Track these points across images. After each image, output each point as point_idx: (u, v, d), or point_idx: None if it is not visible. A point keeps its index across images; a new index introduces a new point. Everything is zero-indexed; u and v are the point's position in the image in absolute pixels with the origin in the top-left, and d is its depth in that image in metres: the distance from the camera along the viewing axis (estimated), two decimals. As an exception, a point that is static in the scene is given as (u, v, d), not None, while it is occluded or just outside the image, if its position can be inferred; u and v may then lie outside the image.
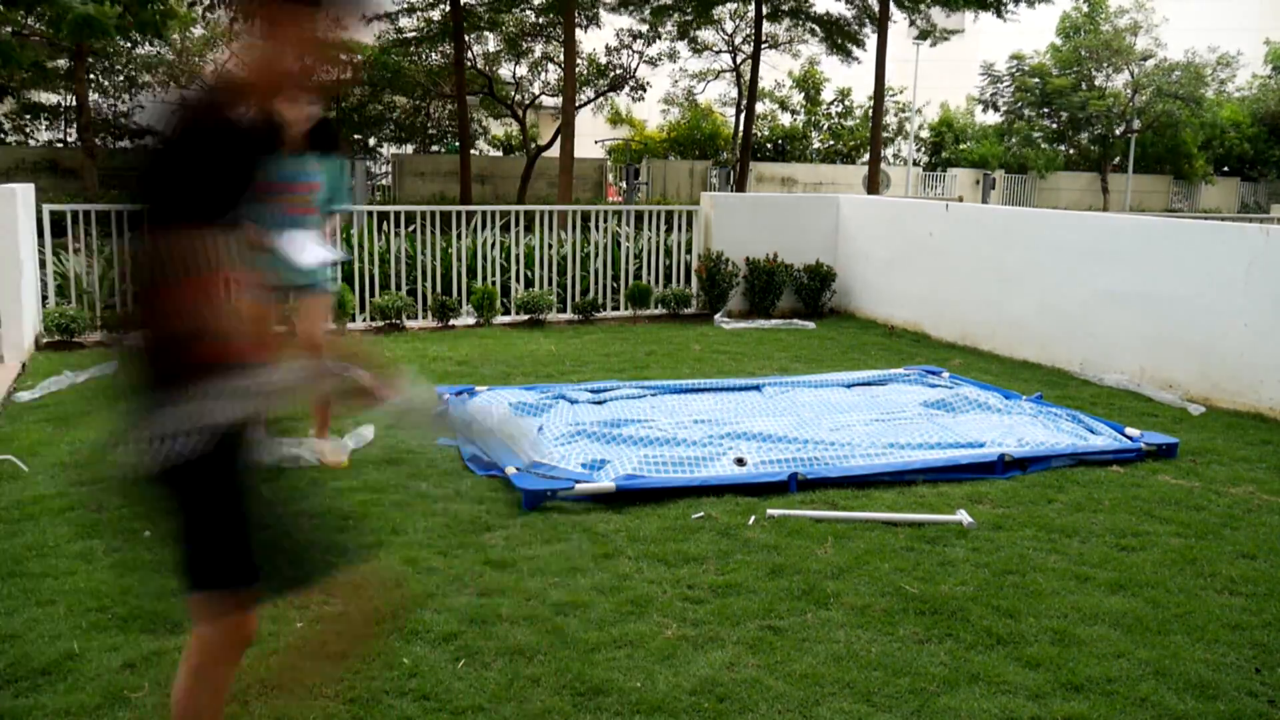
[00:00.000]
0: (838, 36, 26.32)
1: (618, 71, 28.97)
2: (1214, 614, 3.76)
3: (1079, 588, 3.98)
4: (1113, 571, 4.13)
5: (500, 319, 9.87)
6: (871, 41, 24.26)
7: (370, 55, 26.31)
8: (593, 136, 36.04)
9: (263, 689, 3.10)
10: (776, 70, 36.41)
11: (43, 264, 8.74)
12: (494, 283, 10.21)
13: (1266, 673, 3.35)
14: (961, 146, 39.58)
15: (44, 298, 8.68)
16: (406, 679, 3.19)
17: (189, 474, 2.11)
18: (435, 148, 30.77)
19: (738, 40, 31.08)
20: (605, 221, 10.89)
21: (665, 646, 3.42)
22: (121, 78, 26.37)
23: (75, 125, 24.88)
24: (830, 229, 11.10)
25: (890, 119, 37.43)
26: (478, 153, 31.28)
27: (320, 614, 3.59)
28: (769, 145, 38.09)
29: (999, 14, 22.09)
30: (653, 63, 29.94)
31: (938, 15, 24.92)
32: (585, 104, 29.24)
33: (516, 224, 10.41)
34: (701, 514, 4.66)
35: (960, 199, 30.24)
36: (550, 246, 10.56)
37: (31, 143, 27.26)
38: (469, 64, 25.84)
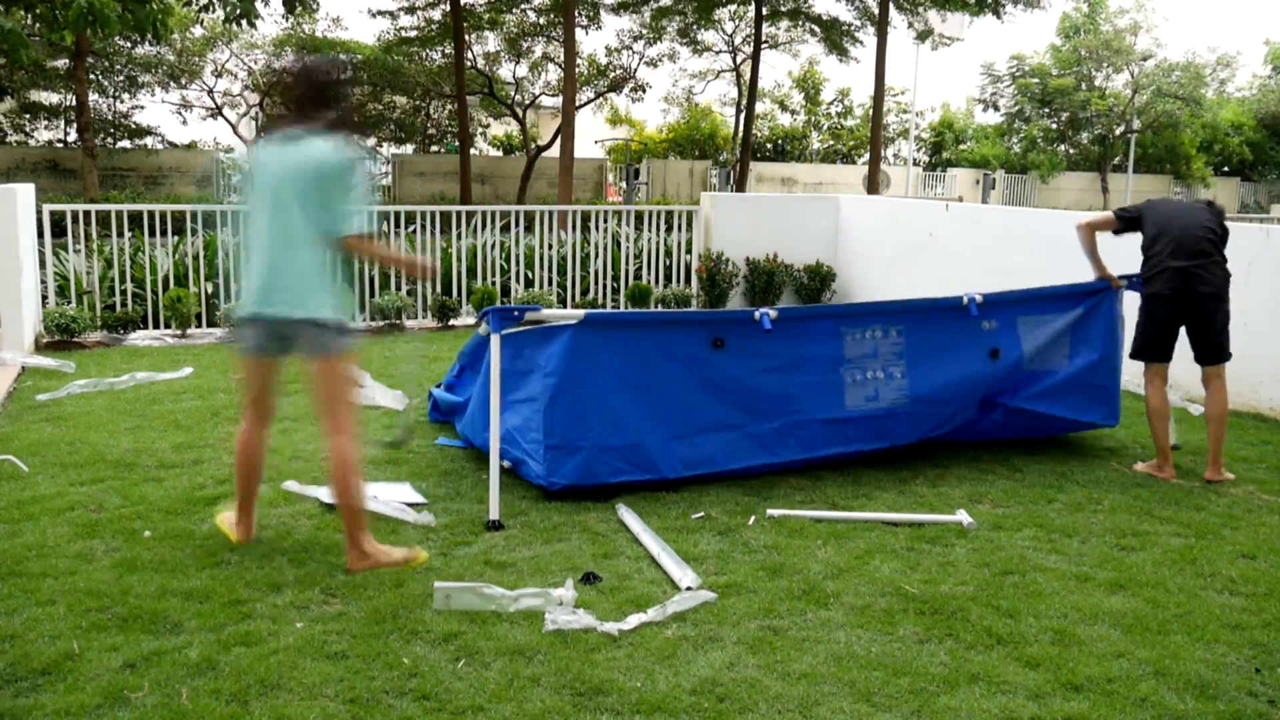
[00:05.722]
0: (837, 37, 26.34)
1: (618, 72, 28.99)
2: (1214, 614, 3.76)
3: (1079, 588, 3.98)
4: (1113, 571, 4.13)
5: (500, 319, 9.86)
6: (871, 41, 24.28)
7: (370, 55, 26.34)
8: (593, 136, 36.07)
9: (263, 689, 3.10)
10: (776, 70, 36.56)
11: (43, 264, 8.74)
12: (494, 283, 10.21)
13: (1266, 673, 3.35)
14: (962, 147, 39.60)
15: (44, 298, 8.68)
16: (406, 679, 3.19)
17: None
18: (435, 148, 30.80)
19: (738, 40, 31.11)
20: (605, 221, 10.90)
21: (665, 646, 3.42)
22: (121, 78, 26.36)
23: (75, 125, 24.88)
24: (830, 229, 11.10)
25: (891, 119, 37.44)
26: (478, 153, 31.30)
27: (320, 614, 3.60)
28: (769, 145, 38.12)
29: (997, 15, 22.11)
30: (653, 63, 29.98)
31: (935, 19, 24.95)
32: (585, 104, 29.25)
33: (516, 224, 10.42)
34: (701, 514, 4.66)
35: (960, 199, 30.25)
36: (550, 247, 10.56)
37: (31, 143, 27.26)
38: (469, 64, 25.85)
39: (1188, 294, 5.32)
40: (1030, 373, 5.74)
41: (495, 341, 4.65)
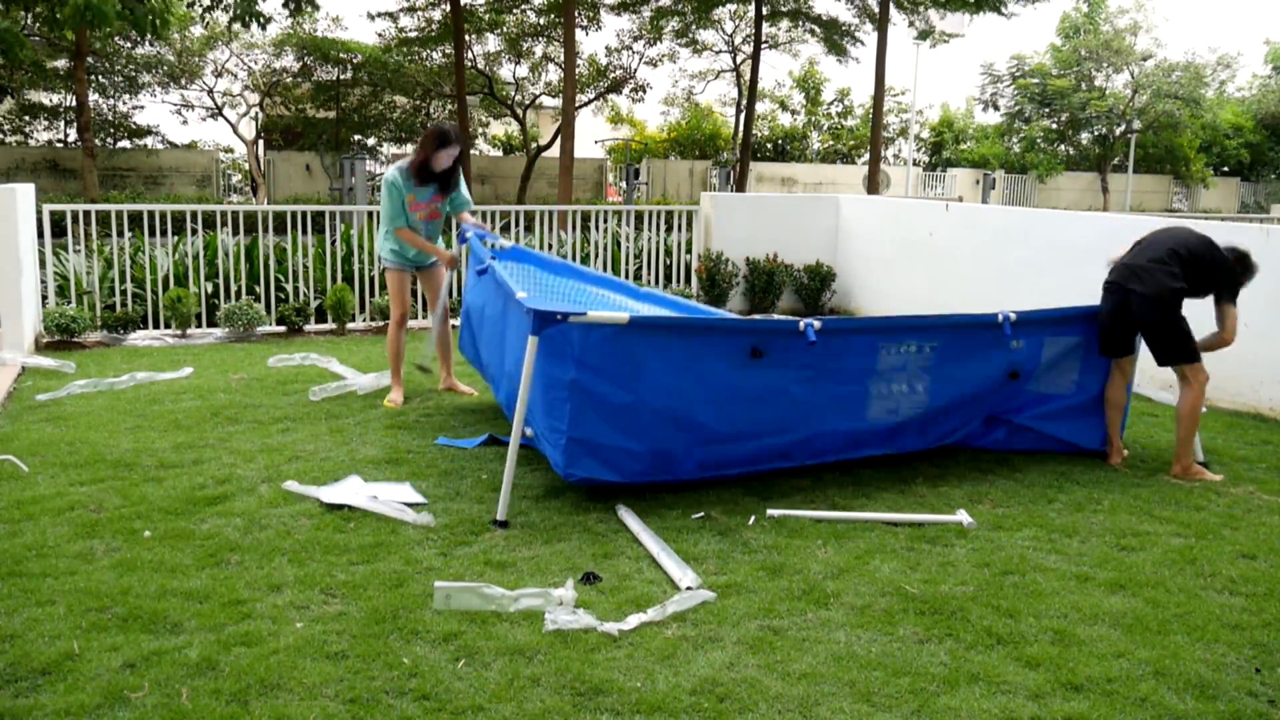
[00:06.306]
0: (837, 36, 26.33)
1: (618, 72, 28.97)
2: (1214, 614, 3.76)
3: (1079, 588, 3.98)
4: (1113, 571, 4.13)
5: (500, 319, 9.86)
6: (871, 41, 24.27)
7: (370, 55, 26.34)
8: (593, 137, 36.06)
9: (263, 689, 3.10)
10: (776, 70, 36.53)
11: (43, 264, 8.74)
12: (494, 283, 10.20)
13: (1266, 673, 3.35)
14: (962, 147, 39.59)
15: (44, 298, 8.68)
16: (406, 679, 3.19)
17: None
18: (435, 148, 30.71)
19: (738, 40, 31.09)
20: (605, 221, 10.89)
21: (665, 646, 3.42)
22: (121, 78, 26.35)
23: (75, 125, 24.87)
24: (830, 229, 11.10)
25: (891, 119, 37.43)
26: (478, 153, 31.28)
27: (320, 614, 3.60)
28: (769, 145, 38.10)
29: (999, 12, 22.07)
30: (653, 64, 29.96)
31: (936, 17, 24.93)
32: (585, 104, 29.24)
33: (516, 224, 10.41)
34: (701, 514, 4.66)
35: (960, 199, 30.26)
36: (550, 246, 10.56)
37: (31, 143, 27.25)
38: (469, 64, 25.83)
39: (1124, 290, 5.49)
40: (1037, 394, 5.74)
41: (531, 344, 4.51)
